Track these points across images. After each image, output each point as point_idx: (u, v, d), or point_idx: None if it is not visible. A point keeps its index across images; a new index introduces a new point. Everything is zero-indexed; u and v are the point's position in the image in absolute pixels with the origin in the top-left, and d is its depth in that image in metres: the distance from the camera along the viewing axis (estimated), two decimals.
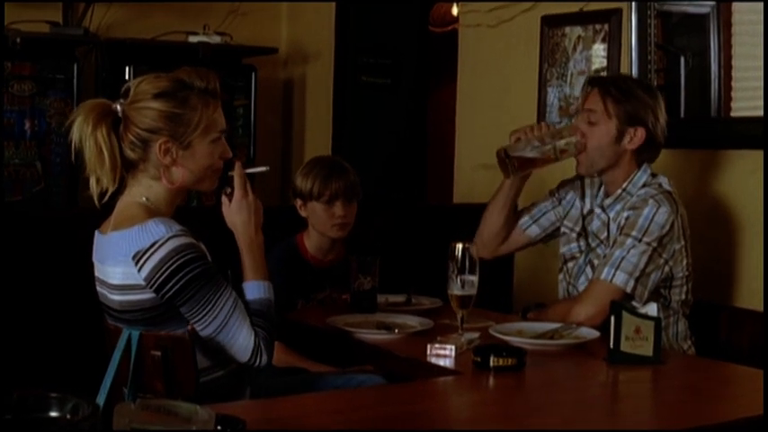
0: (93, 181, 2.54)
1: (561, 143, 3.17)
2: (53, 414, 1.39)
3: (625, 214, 3.14)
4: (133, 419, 1.38)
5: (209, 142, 2.57)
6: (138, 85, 2.56)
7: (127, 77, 5.13)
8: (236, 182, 2.60)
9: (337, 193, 3.41)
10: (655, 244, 3.06)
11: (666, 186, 3.18)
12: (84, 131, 2.49)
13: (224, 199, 2.63)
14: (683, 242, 3.14)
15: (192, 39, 5.34)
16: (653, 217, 3.07)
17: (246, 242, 2.60)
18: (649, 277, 3.06)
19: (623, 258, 3.04)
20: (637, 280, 3.03)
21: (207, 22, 5.40)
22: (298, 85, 5.91)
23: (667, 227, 3.08)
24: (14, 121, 4.88)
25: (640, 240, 3.06)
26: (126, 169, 2.56)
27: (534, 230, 3.45)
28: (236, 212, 2.60)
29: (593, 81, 3.30)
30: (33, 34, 4.93)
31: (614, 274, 3.03)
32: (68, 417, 1.37)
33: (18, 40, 4.80)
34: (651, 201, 3.10)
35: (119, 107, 2.53)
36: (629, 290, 3.02)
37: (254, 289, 2.58)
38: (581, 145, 3.17)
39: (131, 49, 5.22)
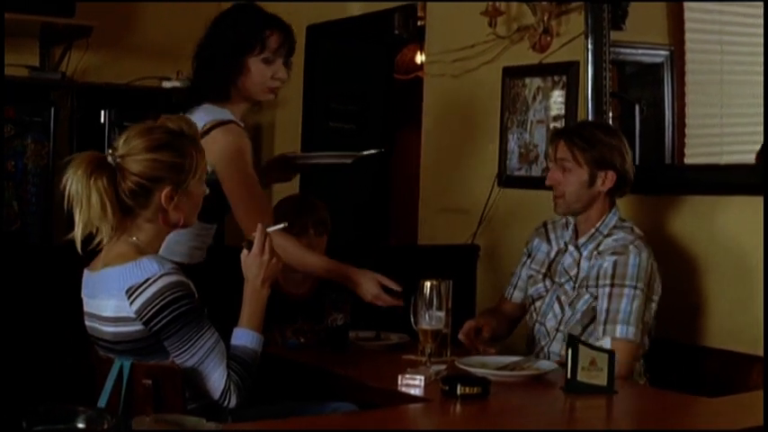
0: (80, 229, 2.58)
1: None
2: (80, 425, 1.54)
3: (607, 262, 3.28)
4: None
5: (201, 183, 2.75)
6: (132, 138, 2.65)
7: (102, 121, 5.27)
8: (257, 240, 2.79)
9: (306, 225, 3.60)
10: (646, 289, 3.25)
11: (638, 231, 3.37)
12: (83, 183, 2.57)
13: (244, 250, 2.81)
14: (659, 280, 3.34)
15: (166, 84, 5.50)
16: (639, 263, 3.25)
17: (250, 292, 2.79)
18: (644, 321, 3.25)
19: (630, 312, 3.20)
20: (641, 329, 3.22)
21: (179, 68, 5.55)
22: (267, 130, 6.03)
23: (650, 270, 3.27)
24: None
25: (636, 288, 3.23)
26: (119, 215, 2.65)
27: (518, 296, 3.61)
28: (249, 266, 2.79)
29: (558, 134, 3.46)
30: (12, 78, 5.03)
31: (627, 330, 3.19)
32: (96, 427, 1.52)
33: None
34: (632, 248, 3.28)
35: (110, 159, 2.62)
36: (638, 341, 3.21)
37: (244, 336, 2.75)
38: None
39: (106, 93, 5.36)
